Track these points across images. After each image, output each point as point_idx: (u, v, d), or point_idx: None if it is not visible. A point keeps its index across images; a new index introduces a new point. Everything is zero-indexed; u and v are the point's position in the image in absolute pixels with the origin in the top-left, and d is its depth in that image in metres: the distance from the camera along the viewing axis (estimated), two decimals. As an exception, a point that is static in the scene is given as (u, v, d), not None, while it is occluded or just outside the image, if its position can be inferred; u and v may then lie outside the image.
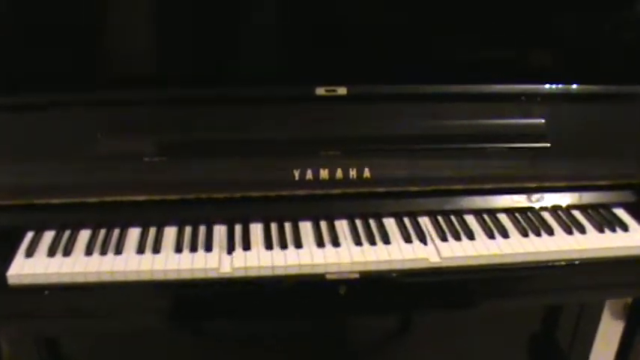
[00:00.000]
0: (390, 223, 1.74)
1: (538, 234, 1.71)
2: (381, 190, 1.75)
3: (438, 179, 1.77)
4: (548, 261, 1.66)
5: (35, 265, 1.58)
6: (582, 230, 1.73)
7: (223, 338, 2.08)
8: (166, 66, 1.83)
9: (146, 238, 1.67)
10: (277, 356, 2.14)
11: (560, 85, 1.83)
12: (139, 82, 1.77)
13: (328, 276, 1.59)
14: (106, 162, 1.69)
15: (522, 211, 1.79)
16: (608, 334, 2.20)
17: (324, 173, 1.72)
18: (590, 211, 1.81)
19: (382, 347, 2.14)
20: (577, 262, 1.67)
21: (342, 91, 1.76)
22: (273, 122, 1.75)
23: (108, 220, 1.70)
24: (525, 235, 1.71)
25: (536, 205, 1.81)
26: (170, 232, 1.69)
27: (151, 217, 1.71)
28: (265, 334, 2.07)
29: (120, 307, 1.62)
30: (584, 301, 2.13)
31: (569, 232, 1.72)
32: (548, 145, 1.80)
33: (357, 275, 1.60)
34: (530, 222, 1.75)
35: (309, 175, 1.72)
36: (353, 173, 1.72)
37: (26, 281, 1.57)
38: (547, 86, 1.83)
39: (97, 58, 1.79)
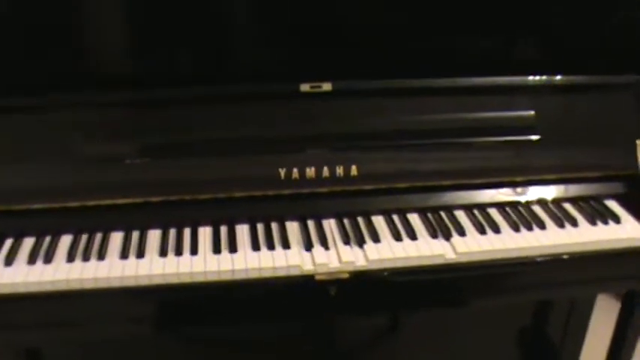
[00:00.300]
0: (378, 220, 1.71)
1: (530, 228, 1.69)
2: (368, 187, 1.72)
3: (427, 175, 1.74)
4: (540, 255, 1.64)
5: (15, 274, 1.53)
6: (574, 223, 1.71)
7: (211, 343, 2.04)
8: (146, 66, 1.79)
9: (130, 243, 1.63)
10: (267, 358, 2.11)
11: (546, 77, 1.80)
12: (118, 83, 1.72)
13: (317, 277, 1.57)
14: (86, 165, 1.65)
15: (513, 205, 1.77)
16: (600, 327, 2.18)
17: (310, 172, 1.69)
18: (581, 203, 1.79)
19: (373, 346, 2.11)
20: (569, 256, 1.65)
21: (327, 87, 1.73)
22: (257, 120, 1.72)
23: (90, 224, 1.66)
24: (517, 229, 1.69)
25: (527, 199, 1.79)
26: (154, 236, 1.65)
27: (134, 220, 1.67)
28: (255, 336, 2.03)
29: (104, 315, 1.58)
30: (578, 295, 2.12)
31: (561, 226, 1.70)
32: (538, 137, 1.78)
33: (346, 275, 1.57)
34: (522, 216, 1.73)
35: (295, 173, 1.69)
36: (340, 171, 1.70)
37: (5, 290, 1.52)
38: (534, 77, 1.80)
39: (74, 58, 1.74)
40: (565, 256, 1.65)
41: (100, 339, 1.88)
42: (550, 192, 1.80)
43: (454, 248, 1.62)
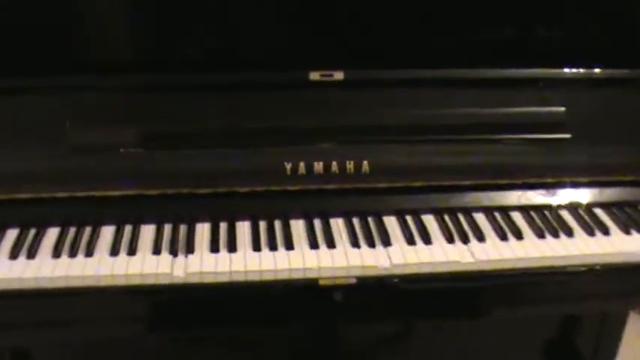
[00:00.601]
0: (390, 222, 1.60)
1: (556, 235, 1.56)
2: (381, 185, 1.62)
3: (445, 173, 1.63)
4: (566, 266, 1.51)
5: (-5, 269, 1.44)
6: (606, 231, 1.58)
7: (208, 350, 1.93)
8: (145, 49, 1.69)
9: (121, 238, 1.52)
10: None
11: (581, 70, 1.68)
12: (114, 66, 1.62)
13: (322, 281, 1.46)
14: (76, 153, 1.55)
15: (538, 209, 1.65)
16: (635, 343, 2.03)
17: (318, 166, 1.59)
18: (614, 209, 1.65)
19: (383, 353, 1.98)
20: (600, 267, 1.52)
21: (338, 76, 1.63)
22: (262, 110, 1.62)
23: (78, 217, 1.55)
24: (541, 236, 1.56)
25: (554, 203, 1.66)
26: (148, 232, 1.55)
27: (127, 214, 1.57)
28: (254, 339, 1.92)
29: (91, 316, 1.48)
30: (607, 310, 1.97)
31: (591, 234, 1.57)
32: (569, 135, 1.66)
33: (354, 280, 1.47)
34: (547, 221, 1.61)
35: (301, 168, 1.59)
36: (350, 167, 1.59)
37: (-17, 287, 1.42)
38: (567, 70, 1.68)
39: (66, 40, 1.63)
40: (596, 267, 1.52)
41: (86, 340, 1.77)
42: (580, 196, 1.67)
43: (472, 254, 1.51)
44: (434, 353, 2.04)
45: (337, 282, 1.46)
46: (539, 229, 1.57)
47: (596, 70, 1.69)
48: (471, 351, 2.06)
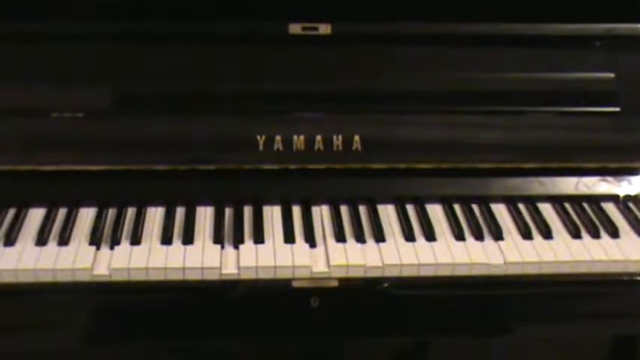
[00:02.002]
0: (386, 211, 1.39)
1: (596, 234, 1.33)
2: (376, 165, 1.42)
3: (456, 153, 1.43)
4: (609, 274, 1.28)
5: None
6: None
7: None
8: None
9: (52, 224, 1.30)
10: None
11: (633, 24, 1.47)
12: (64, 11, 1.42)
13: (296, 283, 1.24)
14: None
15: (574, 200, 1.43)
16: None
17: (298, 141, 1.39)
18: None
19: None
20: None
21: (324, 29, 1.44)
22: (231, 70, 1.43)
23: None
24: (576, 235, 1.32)
25: (595, 193, 1.44)
26: (86, 216, 1.33)
27: (61, 193, 1.36)
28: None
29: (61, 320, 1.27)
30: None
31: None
32: (617, 108, 1.44)
33: (335, 283, 1.24)
34: (586, 217, 1.38)
35: (277, 142, 1.39)
36: (338, 142, 1.39)
37: None
38: (615, 26, 1.44)
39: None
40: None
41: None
42: (629, 186, 1.44)
43: (487, 256, 1.26)
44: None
45: (315, 284, 1.25)
46: (574, 225, 1.33)
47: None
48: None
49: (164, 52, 1.43)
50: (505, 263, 1.25)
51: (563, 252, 1.29)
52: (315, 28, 1.44)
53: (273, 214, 1.37)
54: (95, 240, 1.26)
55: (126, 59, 1.42)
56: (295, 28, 1.44)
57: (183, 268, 1.23)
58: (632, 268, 1.28)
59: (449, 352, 1.52)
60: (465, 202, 1.41)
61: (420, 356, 1.52)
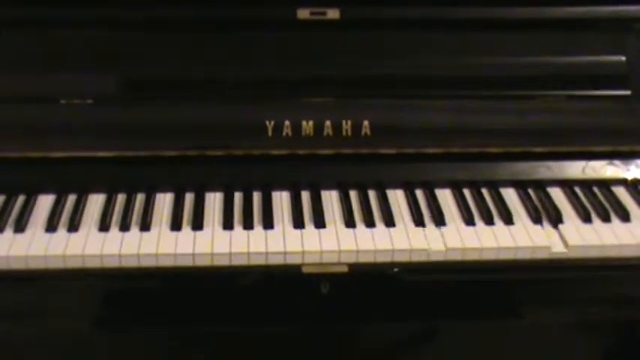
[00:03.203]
0: (396, 196, 1.37)
1: (606, 218, 1.31)
2: (385, 151, 1.40)
3: (465, 138, 1.40)
4: (620, 258, 1.26)
5: None
6: None
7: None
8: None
9: (62, 210, 1.29)
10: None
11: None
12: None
13: (305, 268, 1.24)
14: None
15: (584, 184, 1.40)
16: None
17: (307, 126, 1.37)
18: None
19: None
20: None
21: (333, 14, 1.41)
22: (239, 55, 1.41)
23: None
24: (587, 219, 1.30)
25: (605, 177, 1.41)
26: (96, 202, 1.32)
27: (71, 180, 1.34)
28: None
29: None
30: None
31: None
32: (628, 92, 1.41)
33: (345, 268, 1.24)
34: (596, 201, 1.36)
35: (286, 127, 1.36)
36: (347, 127, 1.37)
37: None
38: (626, 8, 1.42)
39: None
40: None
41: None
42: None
43: (497, 240, 1.24)
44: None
45: (325, 270, 1.24)
46: (585, 210, 1.31)
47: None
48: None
49: (173, 37, 1.41)
50: (516, 247, 1.23)
51: (573, 236, 1.26)
52: (324, 13, 1.42)
53: (282, 200, 1.36)
54: (105, 226, 1.25)
55: (135, 45, 1.40)
56: (304, 13, 1.42)
57: (193, 254, 1.22)
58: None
59: (459, 337, 1.51)
60: (475, 186, 1.39)
61: (430, 342, 1.52)
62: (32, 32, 1.38)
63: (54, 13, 1.38)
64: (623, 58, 1.44)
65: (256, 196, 1.36)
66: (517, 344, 1.49)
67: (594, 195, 1.36)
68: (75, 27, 1.38)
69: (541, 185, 1.40)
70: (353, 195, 1.37)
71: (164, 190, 1.36)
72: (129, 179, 1.36)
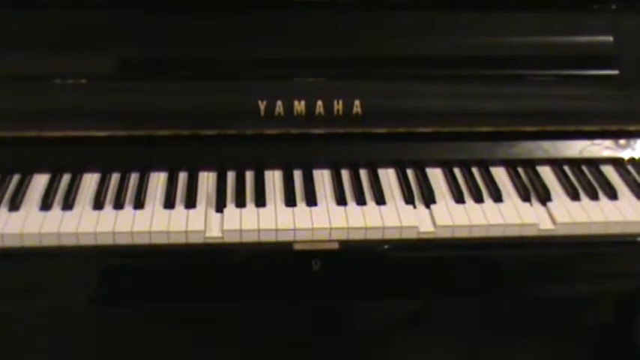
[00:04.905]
0: (387, 175, 1.38)
1: (594, 196, 1.31)
2: (376, 130, 1.40)
3: (456, 117, 1.40)
4: (607, 235, 1.27)
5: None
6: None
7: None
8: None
9: (57, 189, 1.29)
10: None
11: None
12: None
13: (297, 245, 1.24)
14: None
15: (573, 163, 1.41)
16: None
17: (299, 106, 1.36)
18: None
19: (388, 339, 1.70)
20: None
21: None
22: (232, 35, 1.40)
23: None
24: (575, 197, 1.31)
25: (593, 156, 1.41)
26: (90, 181, 1.32)
27: (64, 158, 1.34)
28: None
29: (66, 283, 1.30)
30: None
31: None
32: (616, 71, 1.40)
33: (336, 245, 1.24)
34: (585, 179, 1.36)
35: (279, 107, 1.36)
36: (339, 107, 1.36)
37: None
38: None
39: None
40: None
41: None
42: (628, 149, 1.42)
43: (487, 218, 1.25)
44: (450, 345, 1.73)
45: (316, 247, 1.24)
46: (573, 188, 1.31)
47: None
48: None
49: (166, 17, 1.39)
50: (504, 225, 1.24)
51: (561, 214, 1.27)
52: (317, -10, 1.39)
53: (274, 178, 1.36)
54: (99, 204, 1.25)
55: (128, 25, 1.38)
56: (297, -9, 1.38)
57: (186, 232, 1.22)
58: (630, 229, 1.27)
59: (449, 313, 1.52)
60: (465, 165, 1.39)
61: (420, 318, 1.53)
62: (25, 12, 1.35)
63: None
64: (611, 38, 1.43)
65: (249, 175, 1.35)
66: (507, 320, 1.49)
67: (583, 174, 1.35)
68: (68, 6, 1.36)
69: (531, 164, 1.39)
70: (345, 173, 1.37)
71: (158, 170, 1.35)
72: (123, 159, 1.36)
